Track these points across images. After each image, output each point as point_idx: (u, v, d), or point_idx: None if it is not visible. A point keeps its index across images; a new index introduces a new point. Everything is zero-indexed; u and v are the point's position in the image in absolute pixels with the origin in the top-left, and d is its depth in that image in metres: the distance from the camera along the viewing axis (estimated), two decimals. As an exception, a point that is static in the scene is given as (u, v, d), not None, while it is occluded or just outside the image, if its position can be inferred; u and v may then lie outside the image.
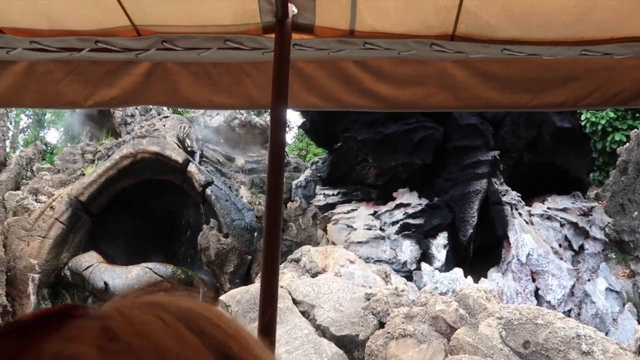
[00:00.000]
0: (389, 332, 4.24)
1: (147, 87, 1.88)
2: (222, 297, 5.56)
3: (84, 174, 11.90)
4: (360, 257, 9.77)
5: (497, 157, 9.59)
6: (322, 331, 4.80)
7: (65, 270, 10.60)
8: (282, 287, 5.74)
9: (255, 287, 5.61)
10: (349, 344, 4.52)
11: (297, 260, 10.18)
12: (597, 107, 1.98)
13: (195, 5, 1.64)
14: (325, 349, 4.32)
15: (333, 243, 10.84)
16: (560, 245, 9.90)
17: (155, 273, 10.23)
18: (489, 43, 1.73)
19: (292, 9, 1.62)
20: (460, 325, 4.09)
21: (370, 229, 10.45)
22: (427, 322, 4.21)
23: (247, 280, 10.77)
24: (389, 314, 4.61)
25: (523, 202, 9.91)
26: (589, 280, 9.69)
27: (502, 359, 3.76)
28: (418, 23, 1.70)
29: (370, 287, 5.85)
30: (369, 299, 5.21)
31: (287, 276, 8.10)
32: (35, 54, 1.75)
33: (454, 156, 9.65)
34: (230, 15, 1.67)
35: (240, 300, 5.28)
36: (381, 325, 4.63)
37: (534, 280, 9.03)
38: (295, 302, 5.35)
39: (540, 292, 8.97)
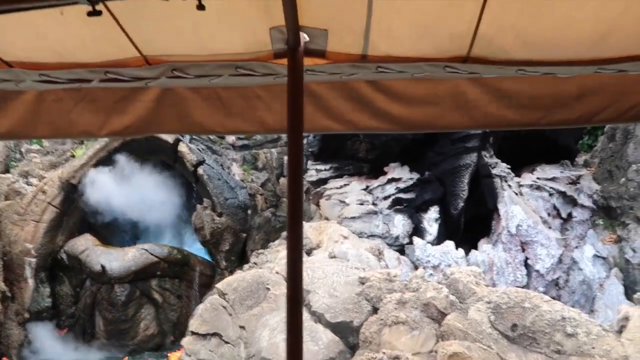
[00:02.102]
0: (382, 319, 4.39)
1: (159, 113, 1.88)
2: (219, 285, 5.67)
3: (73, 156, 11.82)
4: (353, 233, 9.91)
5: (487, 130, 9.62)
6: (318, 317, 4.95)
7: (62, 253, 10.68)
8: (277, 272, 5.85)
9: (250, 274, 5.73)
10: (344, 330, 4.68)
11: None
12: (611, 122, 1.99)
13: (205, 36, 1.64)
14: (322, 336, 4.47)
15: (326, 218, 10.97)
16: (549, 215, 10.08)
17: (151, 254, 10.34)
18: (503, 65, 1.73)
19: (304, 36, 1.62)
20: (451, 311, 4.24)
21: (362, 204, 10.56)
22: (418, 309, 4.35)
23: (242, 258, 10.93)
24: (382, 300, 4.76)
25: (513, 174, 10.01)
26: (576, 247, 9.92)
27: (491, 342, 3.92)
28: (432, 48, 1.70)
29: (364, 270, 5.99)
30: (363, 283, 5.35)
31: (282, 255, 8.25)
32: (45, 85, 1.76)
33: (445, 130, 9.67)
34: (241, 44, 1.68)
35: (236, 288, 5.40)
36: (375, 310, 4.78)
37: (523, 250, 9.24)
38: (290, 287, 5.48)
39: (529, 261, 9.20)
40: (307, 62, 1.67)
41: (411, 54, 1.72)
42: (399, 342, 4.04)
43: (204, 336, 5.23)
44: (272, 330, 4.89)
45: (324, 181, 11.21)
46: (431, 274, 8.07)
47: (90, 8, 1.06)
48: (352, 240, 10.13)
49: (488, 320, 4.09)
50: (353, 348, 4.51)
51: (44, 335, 10.20)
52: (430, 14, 1.52)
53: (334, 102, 1.89)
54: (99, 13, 1.07)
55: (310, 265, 6.00)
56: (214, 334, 5.22)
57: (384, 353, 3.87)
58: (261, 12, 1.49)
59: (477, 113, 1.90)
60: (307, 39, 1.63)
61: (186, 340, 5.43)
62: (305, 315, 4.99)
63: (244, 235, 11.16)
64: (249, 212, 11.35)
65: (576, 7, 1.48)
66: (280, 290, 5.33)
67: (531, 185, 10.31)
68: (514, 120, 1.93)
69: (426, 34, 1.63)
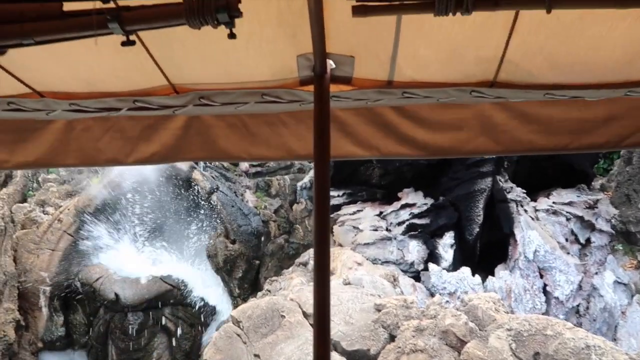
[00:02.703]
0: (399, 347, 4.29)
1: (185, 141, 1.89)
2: (233, 313, 5.61)
3: (89, 185, 11.97)
4: (367, 259, 9.82)
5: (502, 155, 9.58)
6: (334, 345, 4.85)
7: (76, 282, 10.69)
8: (291, 299, 5.79)
9: (265, 302, 5.67)
10: (361, 359, 4.58)
11: (305, 264, 10.24)
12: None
13: (233, 64, 1.66)
14: (338, 364, 4.37)
15: (340, 245, 10.90)
16: (566, 240, 9.90)
17: (165, 282, 10.30)
18: (531, 89, 1.72)
19: (330, 63, 1.63)
20: (470, 338, 4.14)
21: (376, 230, 10.48)
22: (437, 336, 4.25)
23: (255, 285, 10.86)
24: (399, 327, 4.66)
25: (528, 199, 9.91)
26: (596, 273, 9.70)
27: (513, 372, 3.80)
28: (458, 73, 1.70)
29: (380, 296, 5.89)
30: (379, 310, 5.26)
31: (296, 282, 8.16)
32: (74, 114, 1.79)
33: (458, 155, 9.63)
34: (268, 72, 1.69)
35: (251, 316, 5.34)
36: (392, 338, 4.68)
37: (541, 276, 9.05)
38: (305, 315, 5.41)
39: (548, 288, 9.00)
40: (333, 88, 1.68)
41: (437, 79, 1.71)
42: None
43: (218, 365, 5.16)
44: (287, 359, 4.80)
45: (337, 207, 11.18)
46: (447, 301, 7.91)
47: (124, 38, 1.08)
48: (367, 266, 10.02)
49: (509, 348, 3.98)
50: (370, 377, 4.41)
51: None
52: (457, 40, 1.52)
53: (359, 127, 1.89)
54: (132, 43, 1.09)
55: (325, 292, 5.91)
56: (229, 363, 5.14)
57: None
58: (289, 40, 1.50)
59: (504, 138, 1.88)
60: (334, 65, 1.64)
61: (200, 370, 5.35)
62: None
63: (257, 262, 11.11)
64: (262, 239, 11.32)
65: (607, 30, 1.46)
66: (295, 317, 5.26)
67: (547, 210, 10.17)
68: (542, 145, 1.90)
69: (453, 59, 1.63)
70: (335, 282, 8.00)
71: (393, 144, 1.90)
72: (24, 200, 12.41)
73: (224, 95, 1.74)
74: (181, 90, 1.75)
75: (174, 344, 10.37)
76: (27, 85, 1.71)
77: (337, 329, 5.08)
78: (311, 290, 7.24)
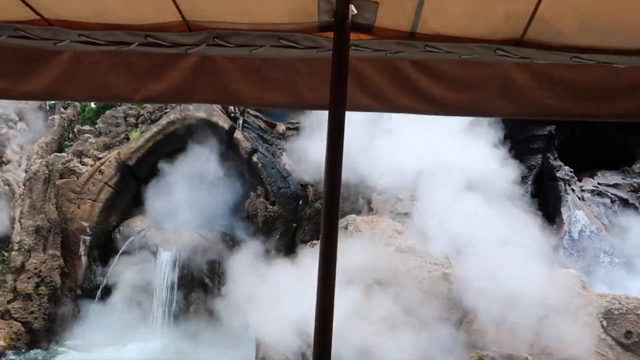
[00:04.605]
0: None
1: (195, 82, 1.83)
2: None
3: (128, 138, 11.94)
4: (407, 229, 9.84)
5: (553, 132, 9.43)
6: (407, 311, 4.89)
7: (116, 233, 10.80)
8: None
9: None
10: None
11: (345, 228, 10.28)
12: None
13: (250, 2, 1.59)
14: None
15: (377, 212, 10.91)
16: (609, 222, 9.86)
17: (205, 238, 10.40)
18: (558, 50, 1.64)
19: (352, 9, 1.55)
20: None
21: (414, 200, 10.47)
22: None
23: (291, 247, 10.93)
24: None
25: (576, 178, 9.81)
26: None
27: (607, 349, 3.82)
28: (484, 28, 1.62)
29: (443, 265, 5.91)
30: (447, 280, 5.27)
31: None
32: (83, 46, 1.71)
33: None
34: (286, 13, 1.62)
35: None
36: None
37: (585, 257, 9.05)
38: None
39: (590, 268, 9.01)
40: (352, 36, 1.59)
41: (462, 34, 1.64)
42: (509, 341, 3.96)
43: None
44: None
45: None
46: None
47: None
48: (407, 235, 10.05)
49: (600, 325, 3.99)
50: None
51: (95, 312, 10.35)
52: None
53: (375, 80, 1.80)
54: None
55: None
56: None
57: (494, 351, 3.80)
58: None
59: (524, 101, 1.80)
60: (355, 11, 1.55)
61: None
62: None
63: (294, 225, 11.14)
64: (300, 202, 11.33)
65: None
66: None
67: (592, 191, 10.09)
68: (562, 110, 1.82)
69: (481, 12, 1.55)
70: (379, 248, 8.02)
71: (409, 99, 1.82)
72: (60, 150, 12.43)
73: (239, 36, 1.67)
74: (194, 27, 1.69)
75: (209, 300, 10.53)
76: (34, 11, 1.63)
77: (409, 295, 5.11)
78: (345, 255, 7.21)
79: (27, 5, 1.59)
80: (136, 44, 1.69)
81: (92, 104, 16.27)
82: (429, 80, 1.78)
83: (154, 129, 11.06)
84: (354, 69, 1.73)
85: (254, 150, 11.12)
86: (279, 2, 1.58)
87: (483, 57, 1.67)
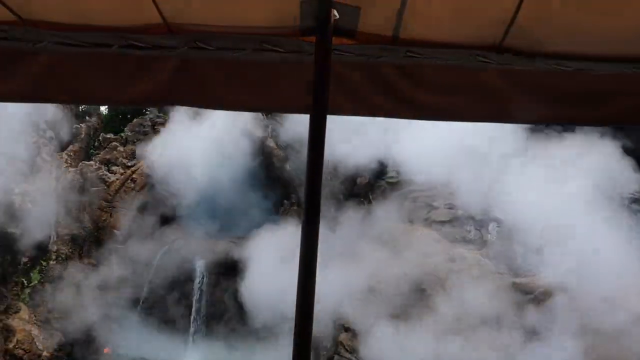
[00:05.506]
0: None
1: (177, 86, 1.81)
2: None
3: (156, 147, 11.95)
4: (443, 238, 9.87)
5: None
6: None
7: (148, 241, 10.79)
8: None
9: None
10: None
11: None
12: None
13: (231, 5, 1.59)
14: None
15: (410, 221, 10.91)
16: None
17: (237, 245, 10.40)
18: (537, 56, 1.68)
19: (334, 13, 1.56)
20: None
21: (452, 208, 10.47)
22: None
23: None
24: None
25: None
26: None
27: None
28: (465, 33, 1.65)
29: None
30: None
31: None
32: (62, 47, 1.69)
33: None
34: (268, 17, 1.62)
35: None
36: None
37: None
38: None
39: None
40: (335, 41, 1.59)
41: (443, 39, 1.66)
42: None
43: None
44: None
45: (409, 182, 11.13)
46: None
47: None
48: (443, 244, 10.07)
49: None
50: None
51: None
52: None
53: (357, 84, 1.80)
54: None
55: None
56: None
57: None
58: None
59: (504, 106, 1.84)
60: (337, 16, 1.56)
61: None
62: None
63: (326, 233, 11.14)
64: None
65: (623, 1, 1.41)
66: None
67: None
68: (543, 116, 1.88)
69: (462, 18, 1.57)
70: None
71: (391, 103, 1.83)
72: (88, 159, 12.44)
73: (221, 39, 1.67)
74: (176, 29, 1.68)
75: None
76: (12, 11, 1.61)
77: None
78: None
79: (4, 5, 1.56)
80: (116, 46, 1.68)
81: (111, 110, 16.27)
82: (411, 85, 1.80)
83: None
84: (337, 73, 1.73)
85: (287, 158, 11.12)
86: (261, 5, 1.58)
87: (464, 62, 1.69)
